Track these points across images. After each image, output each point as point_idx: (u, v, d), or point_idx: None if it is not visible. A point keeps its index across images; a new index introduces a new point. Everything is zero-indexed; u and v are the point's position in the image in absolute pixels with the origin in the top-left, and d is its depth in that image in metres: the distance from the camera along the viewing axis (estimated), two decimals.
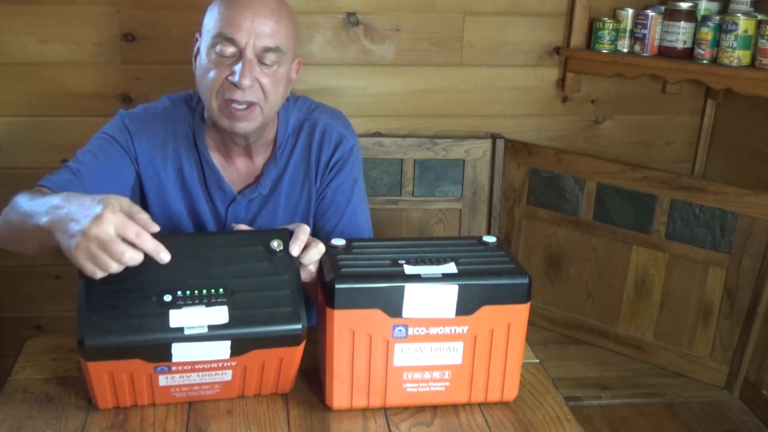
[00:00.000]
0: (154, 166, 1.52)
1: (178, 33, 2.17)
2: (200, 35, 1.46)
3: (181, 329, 1.10)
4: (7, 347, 2.29)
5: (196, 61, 1.47)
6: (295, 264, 1.21)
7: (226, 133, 1.47)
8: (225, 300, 1.14)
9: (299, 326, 1.15)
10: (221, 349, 1.13)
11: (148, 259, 1.14)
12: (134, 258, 1.09)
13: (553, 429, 1.23)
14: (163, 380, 1.17)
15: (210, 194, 1.54)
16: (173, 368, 1.14)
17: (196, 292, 1.14)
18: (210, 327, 1.11)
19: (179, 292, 1.13)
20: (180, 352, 1.11)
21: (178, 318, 1.11)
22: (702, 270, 2.17)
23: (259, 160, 1.55)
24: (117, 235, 1.07)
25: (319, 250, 1.24)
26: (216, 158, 1.53)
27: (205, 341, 1.11)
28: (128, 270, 1.12)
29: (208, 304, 1.13)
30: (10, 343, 2.29)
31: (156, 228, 1.12)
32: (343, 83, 2.30)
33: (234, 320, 1.12)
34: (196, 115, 1.53)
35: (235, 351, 1.14)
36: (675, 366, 2.23)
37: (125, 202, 1.12)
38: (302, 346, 1.18)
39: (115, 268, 1.09)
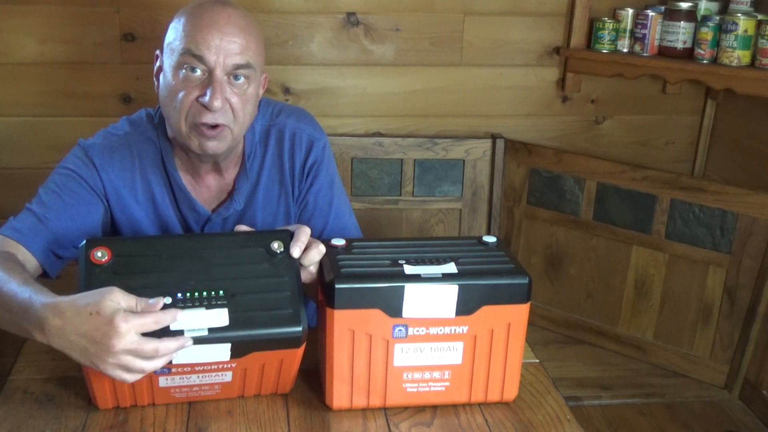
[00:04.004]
0: (123, 197, 1.45)
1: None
2: (162, 52, 1.40)
3: (181, 332, 1.10)
4: (7, 347, 2.29)
5: (158, 79, 1.41)
6: (296, 265, 1.21)
7: (193, 152, 1.41)
8: (225, 302, 1.13)
9: (299, 329, 1.15)
10: (221, 352, 1.13)
11: (148, 262, 1.14)
12: (169, 347, 1.06)
13: (553, 429, 1.23)
14: (163, 381, 1.17)
15: (183, 216, 1.48)
16: (173, 370, 1.14)
17: (197, 294, 1.13)
18: (210, 330, 1.11)
19: (179, 294, 1.13)
20: (180, 354, 1.10)
21: (178, 320, 1.10)
22: (702, 270, 2.17)
23: (230, 175, 1.49)
24: (138, 334, 1.05)
25: (319, 251, 1.23)
26: (185, 178, 1.47)
27: (206, 344, 1.11)
28: (128, 272, 1.13)
29: (209, 307, 1.12)
30: (10, 343, 2.28)
31: (161, 299, 1.09)
32: (343, 83, 2.30)
33: (234, 323, 1.12)
34: (161, 135, 1.46)
35: (235, 353, 1.14)
36: (675, 366, 2.23)
37: (119, 295, 1.07)
38: (302, 347, 1.18)
39: (152, 366, 1.07)
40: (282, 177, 1.52)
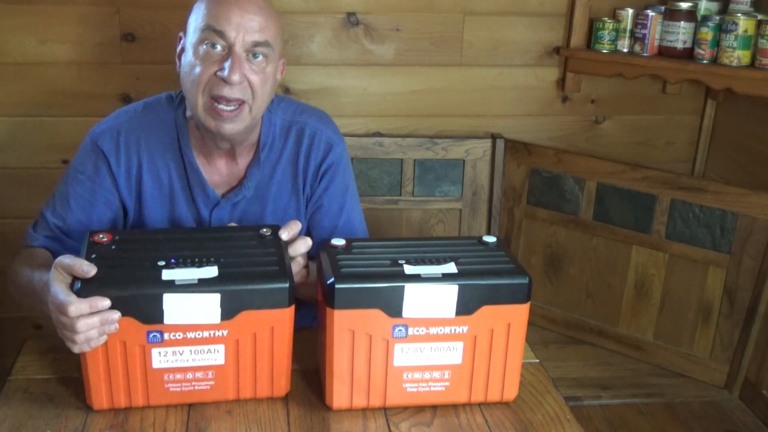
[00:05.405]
0: (133, 180, 1.50)
1: (178, 33, 2.16)
2: (185, 34, 1.45)
3: (172, 281, 1.14)
4: (7, 347, 2.29)
5: (180, 59, 1.46)
6: (284, 245, 1.25)
7: (209, 134, 1.44)
8: (215, 263, 1.18)
9: (286, 284, 1.17)
10: (211, 306, 1.14)
11: (145, 240, 1.25)
12: (92, 306, 1.13)
13: (553, 429, 1.23)
14: (156, 358, 1.17)
15: (193, 198, 1.51)
16: (165, 336, 1.16)
17: (189, 260, 1.19)
18: (200, 280, 1.15)
19: (173, 260, 1.19)
20: (171, 304, 1.13)
21: (170, 274, 1.16)
22: (702, 270, 2.17)
23: (243, 161, 1.51)
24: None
25: (306, 243, 1.29)
26: (199, 160, 1.50)
27: (196, 293, 1.14)
28: (125, 248, 1.22)
29: (200, 266, 1.18)
30: (10, 343, 2.29)
31: (90, 267, 1.15)
32: (343, 83, 2.30)
33: (223, 276, 1.16)
34: (180, 115, 1.50)
35: (225, 310, 1.15)
36: (675, 366, 2.23)
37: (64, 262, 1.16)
38: (292, 312, 1.19)
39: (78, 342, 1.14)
40: (295, 174, 1.54)
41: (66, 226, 1.47)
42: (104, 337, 1.14)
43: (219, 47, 1.37)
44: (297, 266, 1.29)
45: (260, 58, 1.40)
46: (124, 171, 1.48)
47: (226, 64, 1.36)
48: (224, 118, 1.39)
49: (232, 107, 1.39)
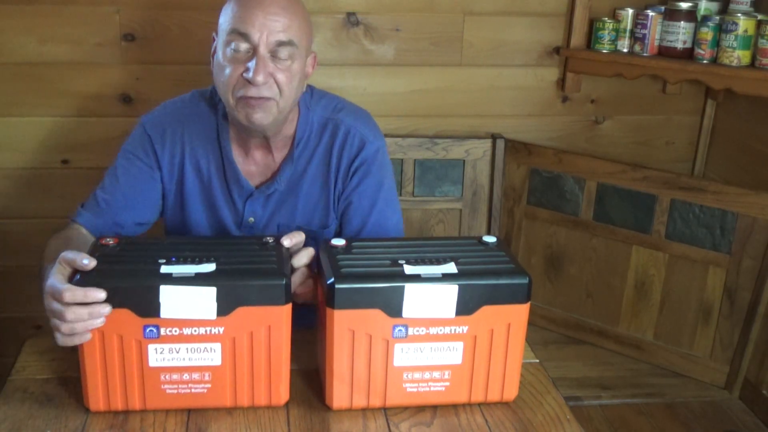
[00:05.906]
0: (176, 169, 1.56)
1: (178, 33, 2.17)
2: (216, 35, 1.49)
3: (169, 274, 1.15)
4: (7, 347, 2.29)
5: (213, 59, 1.50)
6: (286, 252, 1.26)
7: (243, 127, 1.48)
8: (214, 262, 1.19)
9: (282, 281, 1.17)
10: (207, 300, 1.14)
11: (149, 243, 1.28)
12: (83, 294, 1.13)
13: (553, 429, 1.23)
14: (153, 355, 1.17)
15: (229, 189, 1.56)
16: (162, 331, 1.16)
17: (189, 258, 1.20)
18: (197, 274, 1.16)
19: (174, 258, 1.20)
20: (167, 296, 1.13)
21: (168, 269, 1.17)
22: (702, 270, 2.17)
23: (278, 155, 1.56)
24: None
25: (308, 254, 1.29)
26: (236, 151, 1.55)
27: (192, 285, 1.14)
28: (129, 250, 1.23)
29: (199, 263, 1.18)
30: (10, 343, 2.29)
31: (90, 260, 1.16)
32: (343, 83, 2.30)
33: (220, 271, 1.17)
34: (220, 108, 1.55)
35: (221, 307, 1.15)
36: (675, 366, 2.23)
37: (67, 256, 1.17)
38: (289, 311, 1.18)
39: (69, 313, 1.13)
40: (327, 170, 1.56)
41: (113, 199, 1.53)
42: (88, 335, 1.14)
43: (244, 48, 1.41)
44: (301, 276, 1.29)
45: (285, 56, 1.43)
46: (167, 159, 1.55)
47: (251, 65, 1.40)
48: (253, 106, 1.42)
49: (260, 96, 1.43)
